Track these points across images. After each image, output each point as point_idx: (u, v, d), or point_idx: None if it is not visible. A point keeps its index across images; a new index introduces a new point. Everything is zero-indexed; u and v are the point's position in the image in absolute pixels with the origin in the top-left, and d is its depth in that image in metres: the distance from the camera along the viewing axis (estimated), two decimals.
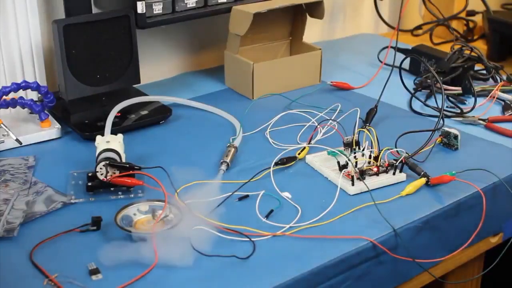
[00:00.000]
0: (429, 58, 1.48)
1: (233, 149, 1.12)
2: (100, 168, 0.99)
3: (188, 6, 1.34)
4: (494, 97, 1.36)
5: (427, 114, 1.31)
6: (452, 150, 1.17)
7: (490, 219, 1.06)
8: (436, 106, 1.33)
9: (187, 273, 0.84)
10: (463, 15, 1.82)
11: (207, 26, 1.55)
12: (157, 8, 1.30)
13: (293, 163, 1.11)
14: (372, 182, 1.03)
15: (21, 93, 1.21)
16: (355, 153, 1.06)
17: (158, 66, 1.51)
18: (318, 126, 1.20)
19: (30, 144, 1.17)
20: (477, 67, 1.46)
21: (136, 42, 1.28)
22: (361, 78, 1.50)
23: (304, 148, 1.13)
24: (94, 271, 0.83)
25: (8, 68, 1.27)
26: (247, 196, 1.01)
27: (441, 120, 1.16)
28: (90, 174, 1.03)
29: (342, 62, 1.61)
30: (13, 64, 1.27)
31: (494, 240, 1.14)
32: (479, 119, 1.27)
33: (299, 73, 1.44)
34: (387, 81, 1.30)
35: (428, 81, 1.39)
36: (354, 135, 1.09)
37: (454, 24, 1.84)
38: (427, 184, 1.04)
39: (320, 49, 1.46)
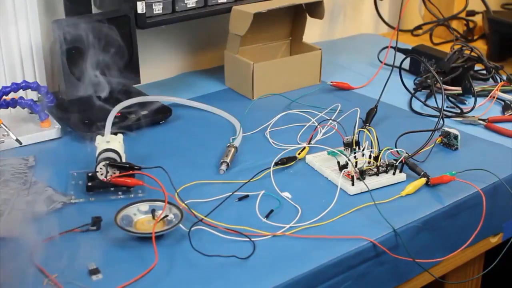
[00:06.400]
0: (429, 58, 1.48)
1: (233, 149, 1.12)
2: (100, 168, 1.00)
3: (188, 6, 1.34)
4: (494, 97, 1.36)
5: (427, 114, 1.31)
6: (452, 150, 1.17)
7: (490, 219, 1.06)
8: (436, 106, 1.33)
9: (187, 273, 0.84)
10: (463, 15, 1.82)
11: (207, 26, 1.55)
12: (157, 8, 1.30)
13: (293, 163, 1.11)
14: (372, 182, 1.03)
15: (21, 93, 1.21)
16: (355, 153, 1.06)
17: (158, 66, 1.51)
18: (318, 126, 1.20)
19: (30, 144, 1.17)
20: (477, 67, 1.46)
21: (136, 42, 1.28)
22: (361, 78, 1.50)
23: (304, 148, 1.13)
24: (94, 271, 0.83)
25: (8, 68, 1.27)
26: (247, 196, 1.01)
27: (441, 120, 1.16)
28: (90, 174, 1.03)
29: (342, 62, 1.61)
30: (13, 64, 1.27)
31: (494, 240, 1.14)
32: (479, 119, 1.27)
33: (299, 73, 1.44)
34: (387, 81, 1.30)
35: (428, 81, 1.39)
36: (354, 135, 1.09)
37: (454, 24, 1.84)
38: (427, 184, 1.04)
39: (320, 49, 1.46)
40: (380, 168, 1.05)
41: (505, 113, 1.31)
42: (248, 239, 0.90)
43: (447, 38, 1.82)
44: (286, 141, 1.18)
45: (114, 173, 1.00)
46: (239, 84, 1.42)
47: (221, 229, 0.92)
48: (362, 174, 1.03)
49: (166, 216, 0.93)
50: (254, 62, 1.37)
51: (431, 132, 1.13)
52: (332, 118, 1.22)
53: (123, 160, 1.05)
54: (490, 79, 1.44)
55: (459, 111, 1.32)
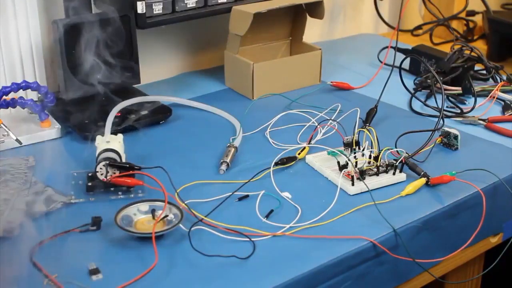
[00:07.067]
0: (429, 58, 1.48)
1: (233, 149, 1.12)
2: (100, 168, 1.00)
3: (188, 6, 1.34)
4: (494, 97, 1.36)
5: (427, 114, 1.31)
6: (452, 150, 1.17)
7: (490, 219, 1.06)
8: (436, 106, 1.33)
9: (187, 273, 0.84)
10: (463, 15, 1.82)
11: (207, 26, 1.55)
12: (157, 8, 1.30)
13: (293, 163, 1.11)
14: (372, 182, 1.03)
15: (21, 93, 1.21)
16: (355, 153, 1.06)
17: (158, 66, 1.51)
18: (318, 126, 1.20)
19: (30, 144, 1.17)
20: (477, 67, 1.46)
21: (136, 42, 1.28)
22: (361, 78, 1.50)
23: (304, 148, 1.13)
24: (94, 271, 0.83)
25: (8, 68, 1.27)
26: (247, 196, 1.01)
27: (441, 120, 1.16)
28: (90, 174, 1.03)
29: (342, 62, 1.61)
30: (13, 64, 1.27)
31: (494, 240, 1.14)
32: (479, 119, 1.27)
33: (299, 73, 1.44)
34: (387, 81, 1.30)
35: (428, 81, 1.39)
36: (354, 135, 1.09)
37: (454, 24, 1.84)
38: (427, 184, 1.04)
39: (320, 49, 1.46)
40: (380, 168, 1.05)
41: (505, 113, 1.31)
42: (248, 239, 0.90)
43: (447, 38, 1.82)
44: (286, 141, 1.18)
45: (114, 173, 1.00)
46: (239, 84, 1.42)
47: (221, 229, 0.92)
48: (362, 174, 1.03)
49: (166, 216, 0.93)
50: (254, 62, 1.37)
51: (431, 132, 1.13)
52: (332, 118, 1.22)
53: (123, 160, 1.05)
54: (490, 79, 1.44)
55: (459, 111, 1.32)
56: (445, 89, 1.36)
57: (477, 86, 1.39)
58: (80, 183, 1.04)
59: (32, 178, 1.06)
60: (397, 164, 1.05)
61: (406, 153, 1.08)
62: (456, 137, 1.16)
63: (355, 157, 1.05)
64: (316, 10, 1.44)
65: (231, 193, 1.00)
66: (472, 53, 1.45)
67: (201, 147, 1.18)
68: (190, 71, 1.56)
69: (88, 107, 1.25)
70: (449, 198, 1.02)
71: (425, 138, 1.13)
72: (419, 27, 1.87)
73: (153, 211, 0.94)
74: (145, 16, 1.28)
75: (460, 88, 1.39)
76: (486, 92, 1.38)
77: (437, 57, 1.46)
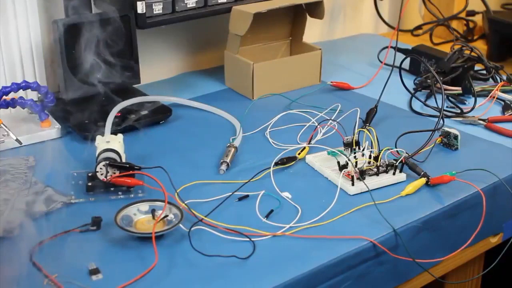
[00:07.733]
0: (429, 58, 1.48)
1: (233, 149, 1.12)
2: (100, 168, 1.00)
3: (188, 6, 1.34)
4: (494, 97, 1.36)
5: (427, 114, 1.31)
6: (452, 150, 1.17)
7: (490, 219, 1.06)
8: (436, 106, 1.33)
9: (187, 273, 0.84)
10: (463, 15, 1.82)
11: (207, 26, 1.55)
12: (157, 8, 1.30)
13: (293, 163, 1.11)
14: (372, 182, 1.03)
15: (21, 93, 1.21)
16: (355, 153, 1.06)
17: (158, 66, 1.51)
18: (318, 126, 1.20)
19: (30, 144, 1.17)
20: (477, 67, 1.46)
21: (136, 42, 1.28)
22: (361, 78, 1.50)
23: (304, 148, 1.13)
24: (94, 271, 0.83)
25: (8, 68, 1.27)
26: (247, 196, 1.01)
27: (441, 120, 1.16)
28: (90, 174, 1.03)
29: (342, 62, 1.61)
30: (13, 64, 1.27)
31: (494, 240, 1.14)
32: (479, 119, 1.27)
33: (299, 73, 1.44)
34: (387, 81, 1.30)
35: (428, 81, 1.39)
36: (354, 135, 1.09)
37: (454, 24, 1.84)
38: (427, 184, 1.04)
39: (320, 49, 1.46)
40: (380, 168, 1.05)
41: (505, 113, 1.31)
42: (248, 239, 0.90)
43: (447, 38, 1.82)
44: (286, 141, 1.18)
45: (114, 173, 1.00)
46: (239, 84, 1.42)
47: (221, 229, 0.92)
48: (362, 174, 1.03)
49: (166, 216, 0.93)
50: (254, 62, 1.37)
51: (431, 132, 1.13)
52: (332, 118, 1.22)
53: (123, 160, 1.05)
54: (490, 79, 1.44)
55: (459, 111, 1.32)
56: (445, 89, 1.36)
57: (477, 86, 1.39)
58: (80, 183, 1.04)
59: (32, 178, 1.06)
60: (397, 164, 1.05)
61: (406, 153, 1.08)
62: (456, 137, 1.16)
63: (355, 157, 1.05)
64: (316, 10, 1.44)
65: (231, 193, 1.00)
66: (472, 53, 1.45)
67: (201, 147, 1.18)
68: (190, 71, 1.56)
69: (88, 107, 1.25)
70: (449, 198, 1.02)
71: (425, 138, 1.13)
72: (419, 27, 1.87)
73: (153, 211, 0.94)
74: (145, 16, 1.28)
75: (460, 88, 1.39)
76: (486, 92, 1.38)
77: (437, 57, 1.46)
